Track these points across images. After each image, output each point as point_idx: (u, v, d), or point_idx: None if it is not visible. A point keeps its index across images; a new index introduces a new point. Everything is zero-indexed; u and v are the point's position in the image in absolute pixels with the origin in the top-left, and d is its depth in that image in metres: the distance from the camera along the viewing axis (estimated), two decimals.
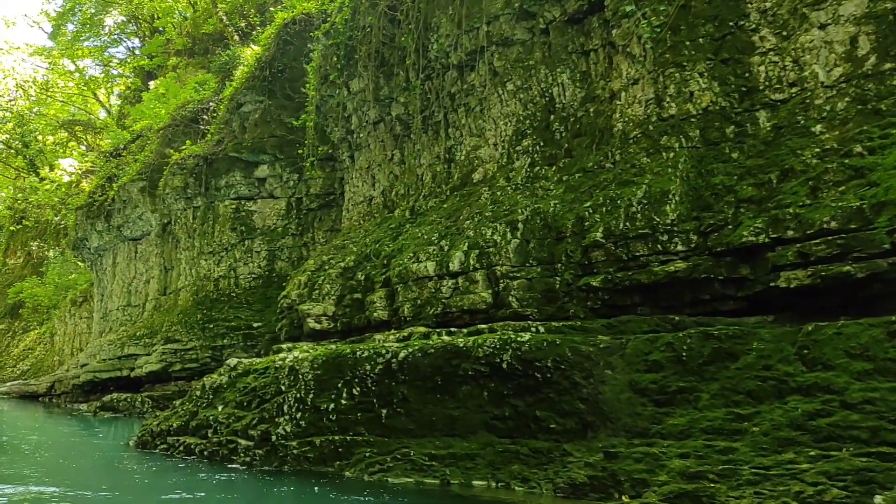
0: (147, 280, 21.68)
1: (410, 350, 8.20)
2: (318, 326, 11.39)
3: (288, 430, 8.34)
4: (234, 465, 8.45)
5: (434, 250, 10.31)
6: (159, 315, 20.05)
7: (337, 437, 8.03)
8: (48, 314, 45.26)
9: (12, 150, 45.37)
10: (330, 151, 16.65)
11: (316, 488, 7.33)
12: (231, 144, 18.56)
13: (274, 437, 8.34)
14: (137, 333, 19.79)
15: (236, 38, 28.36)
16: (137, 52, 42.02)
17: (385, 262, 11.17)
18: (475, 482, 7.16)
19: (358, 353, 8.47)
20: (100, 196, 23.08)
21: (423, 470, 7.36)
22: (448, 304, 9.75)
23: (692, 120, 8.83)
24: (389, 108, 13.42)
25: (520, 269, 9.30)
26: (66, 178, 36.08)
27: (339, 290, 11.56)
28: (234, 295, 18.21)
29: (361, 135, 14.40)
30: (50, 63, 47.22)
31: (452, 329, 9.06)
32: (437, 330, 9.19)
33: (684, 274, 8.15)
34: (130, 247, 22.58)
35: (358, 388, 8.25)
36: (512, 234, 9.49)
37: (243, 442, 8.58)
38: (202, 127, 20.33)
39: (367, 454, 7.76)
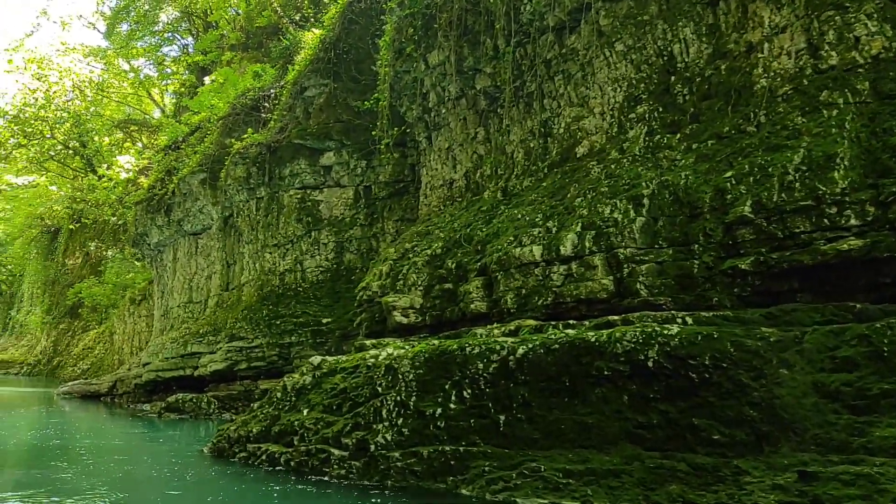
0: (209, 276, 20.93)
1: (530, 346, 6.99)
2: (404, 320, 10.26)
3: (388, 438, 7.21)
4: (326, 479, 7.36)
5: (539, 232, 9.08)
6: (222, 312, 19.24)
7: (448, 448, 6.87)
8: (107, 313, 45.41)
9: (70, 151, 45.58)
10: (402, 136, 15.55)
11: None
12: (295, 131, 17.60)
13: (372, 447, 7.22)
14: (200, 331, 19.01)
15: (291, 29, 27.56)
16: (191, 49, 41.76)
17: (479, 247, 9.99)
18: None
19: (467, 349, 7.30)
20: (159, 190, 22.44)
21: (558, 489, 6.14)
22: (560, 293, 8.51)
23: (859, 71, 7.42)
24: (473, 80, 12.22)
25: (647, 252, 8.00)
26: (123, 176, 35.83)
27: (426, 280, 10.42)
28: (300, 289, 17.25)
29: (440, 113, 13.23)
30: (105, 63, 47.37)
31: (571, 322, 7.82)
32: (551, 323, 7.97)
33: (860, 253, 6.76)
34: (191, 242, 21.87)
35: (469, 391, 7.09)
36: (636, 210, 8.21)
37: (336, 452, 7.49)
38: (264, 115, 19.45)
39: (487, 468, 6.58)
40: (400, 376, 7.55)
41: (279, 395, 8.96)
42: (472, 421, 6.94)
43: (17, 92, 43.03)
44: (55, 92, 42.83)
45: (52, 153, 46.03)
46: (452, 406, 7.08)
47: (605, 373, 6.54)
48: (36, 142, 43.41)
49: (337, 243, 17.25)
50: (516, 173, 11.22)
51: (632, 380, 6.45)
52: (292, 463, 7.84)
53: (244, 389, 17.26)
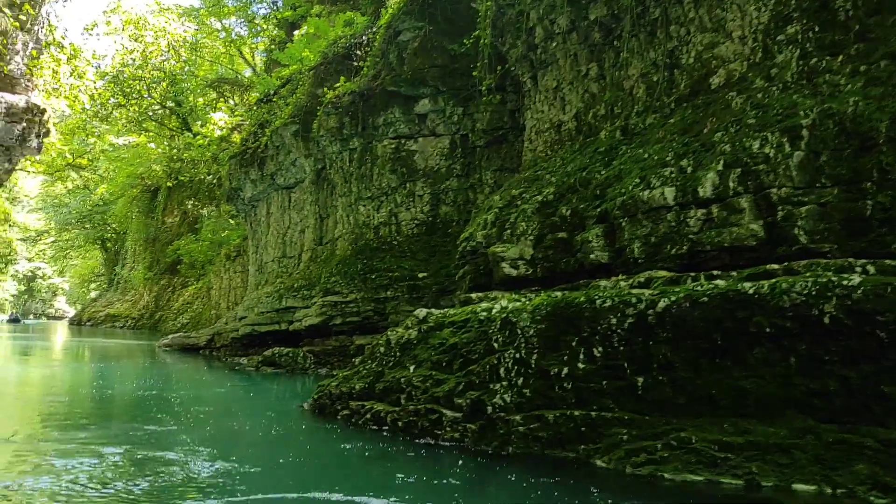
0: (302, 230, 20.67)
1: (674, 299, 6.04)
2: (513, 272, 9.43)
3: (507, 399, 6.45)
4: (437, 442, 6.69)
5: (671, 173, 8.02)
6: (316, 266, 18.95)
7: (577, 413, 6.04)
8: (204, 270, 46.65)
9: (166, 110, 46.57)
10: (502, 79, 14.56)
11: (556, 479, 5.40)
12: (388, 78, 16.86)
13: (489, 409, 6.48)
14: (295, 285, 18.79)
15: None
16: (280, 4, 41.53)
17: (598, 192, 9.00)
18: (797, 486, 4.96)
19: (597, 302, 6.40)
20: (252, 143, 22.25)
21: (714, 465, 5.23)
22: (698, 241, 7.47)
23: None
24: (586, 11, 11.08)
25: (807, 192, 6.85)
26: (217, 133, 36.19)
27: (537, 229, 9.53)
28: (395, 243, 16.68)
29: (548, 49, 12.15)
30: (197, 23, 47.92)
31: (714, 272, 6.80)
32: (690, 274, 6.97)
33: None
34: (284, 196, 21.64)
35: (600, 348, 6.21)
36: (792, 144, 7.03)
37: (448, 413, 6.79)
38: (356, 63, 18.78)
39: (625, 437, 5.72)
40: (519, 331, 6.75)
41: (382, 350, 8.33)
42: (604, 383, 6.08)
43: (115, 53, 44.07)
44: (151, 52, 43.59)
45: (150, 113, 47.17)
46: (581, 365, 6.23)
47: (767, 330, 5.53)
48: (134, 102, 44.48)
49: (432, 195, 16.53)
50: (637, 111, 10.10)
51: (801, 339, 5.42)
52: (399, 423, 7.21)
53: (339, 344, 16.94)
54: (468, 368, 7.00)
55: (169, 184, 46.56)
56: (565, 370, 6.29)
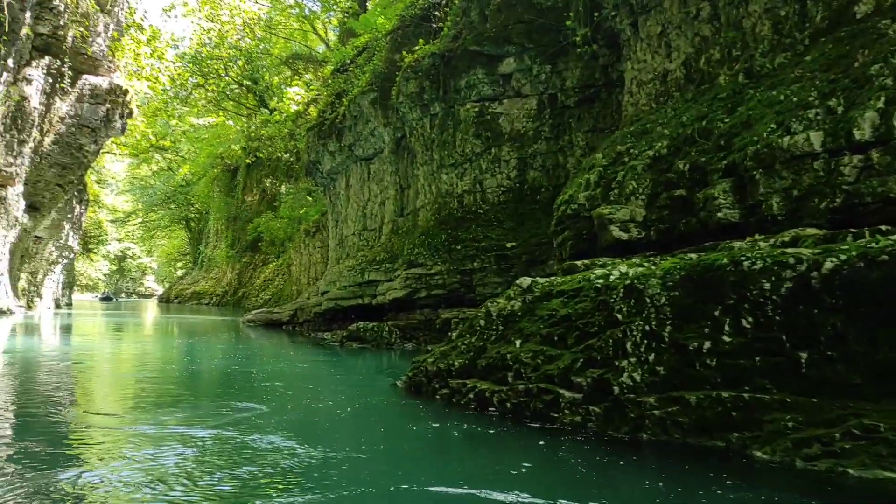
0: (382, 202, 20.09)
1: (844, 258, 5.01)
2: (623, 236, 8.48)
3: (637, 378, 5.56)
4: (554, 426, 5.87)
5: (816, 115, 6.89)
6: (398, 238, 18.35)
7: (725, 394, 5.11)
8: (283, 246, 47.10)
9: (243, 88, 46.89)
10: (594, 32, 13.43)
11: (706, 473, 4.51)
12: (470, 37, 15.93)
13: (616, 389, 5.61)
14: (377, 258, 18.26)
15: None
16: None
17: (722, 142, 7.92)
18: None
19: (745, 264, 5.42)
20: (329, 115, 21.74)
21: None
22: (855, 193, 6.36)
23: None
24: None
25: None
26: (293, 108, 36.05)
27: (649, 188, 8.53)
28: (480, 212, 15.86)
29: None
30: (270, 0, 47.89)
31: (882, 227, 5.71)
32: (850, 231, 5.90)
33: None
34: (363, 167, 21.09)
35: (750, 318, 5.24)
36: None
37: (567, 393, 5.96)
38: (435, 25, 17.91)
39: (789, 424, 4.77)
40: (647, 300, 5.83)
41: (483, 323, 7.55)
42: (756, 359, 5.12)
43: (192, 33, 44.51)
44: (227, 31, 43.82)
45: (227, 92, 47.59)
46: (726, 339, 5.29)
47: None
48: (213, 81, 44.90)
49: (519, 160, 15.59)
50: (761, 51, 8.89)
51: None
52: (507, 404, 6.42)
53: (424, 318, 16.34)
54: (586, 343, 6.14)
55: (248, 161, 47.00)
56: (707, 344, 5.35)
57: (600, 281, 6.57)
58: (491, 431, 5.98)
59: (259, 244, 51.92)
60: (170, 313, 40.17)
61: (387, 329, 15.38)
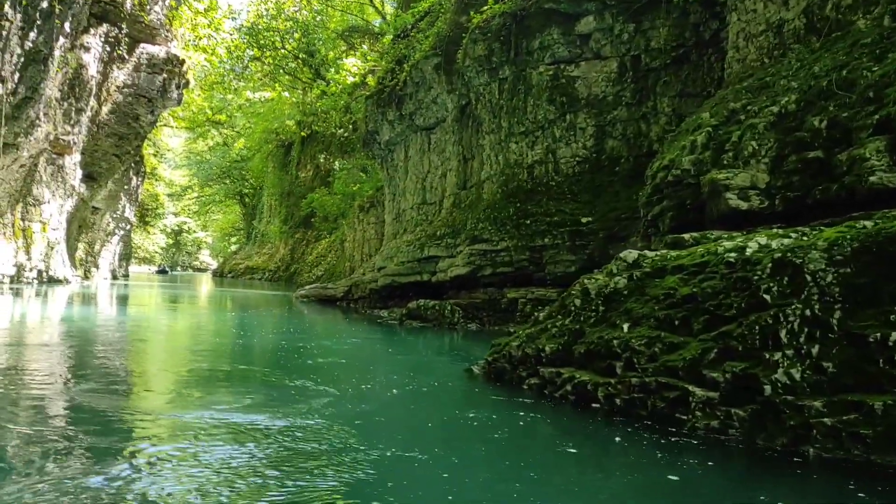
0: (443, 174, 19.01)
1: None
2: (742, 205, 7.23)
3: (796, 376, 4.39)
4: (682, 430, 4.75)
5: None
6: (460, 212, 17.27)
7: None
8: (336, 223, 46.58)
9: (299, 61, 46.20)
10: None
11: None
12: None
13: (767, 388, 4.44)
14: (437, 233, 17.22)
15: None
16: None
17: (870, 94, 6.60)
18: None
19: None
20: (389, 81, 20.70)
21: None
22: None
23: None
24: None
25: None
26: (350, 80, 35.15)
27: (773, 149, 7.26)
28: (553, 184, 14.66)
29: None
30: None
31: None
32: None
33: None
34: (423, 138, 20.02)
35: None
36: None
37: (698, 391, 4.82)
38: None
39: None
40: (808, 278, 4.63)
41: (578, 302, 6.43)
42: None
43: (249, 5, 43.95)
44: (284, 2, 43.11)
45: (283, 66, 47.00)
46: None
47: None
48: (269, 54, 44.32)
49: (597, 127, 14.31)
50: None
51: None
52: (617, 400, 5.31)
53: (488, 298, 15.27)
54: (720, 329, 4.98)
55: (303, 133, 46.48)
56: (894, 335, 4.15)
57: (733, 255, 5.38)
58: (601, 433, 4.90)
59: (312, 220, 51.54)
60: (223, 287, 40.04)
61: (449, 308, 14.36)
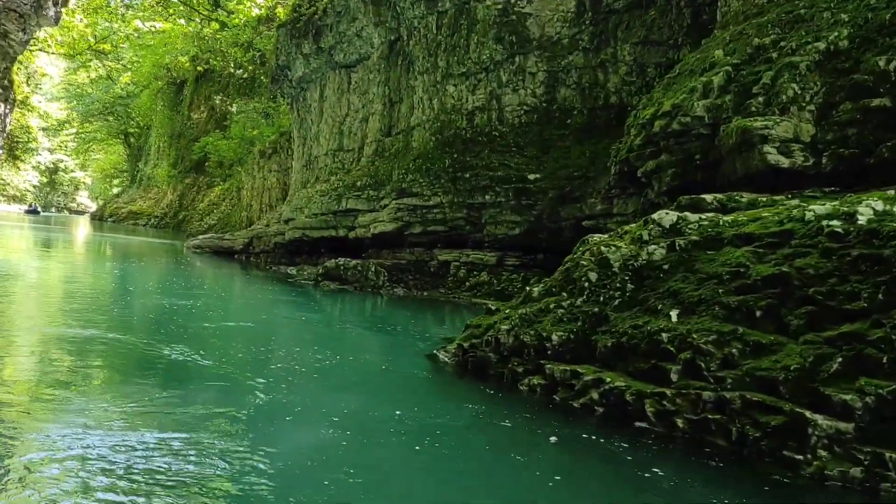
0: (364, 118, 16.96)
1: None
2: (783, 161, 5.83)
3: None
4: (798, 477, 3.26)
5: None
6: (383, 162, 15.36)
7: None
8: (231, 169, 43.53)
9: None
10: None
11: None
12: None
13: None
14: (357, 183, 15.28)
15: None
16: None
17: None
18: None
19: None
20: (307, 9, 18.29)
21: None
22: None
23: None
24: None
25: None
26: (255, 12, 32.00)
27: (821, 95, 5.88)
28: (496, 134, 13.00)
29: None
30: None
31: None
32: None
33: None
34: (343, 76, 17.83)
35: None
36: None
37: (820, 420, 3.32)
38: None
39: None
40: None
41: (594, 276, 4.85)
42: None
43: None
44: None
45: None
46: None
47: None
48: None
49: (549, 73, 12.72)
50: None
51: None
52: (678, 421, 3.78)
53: (415, 259, 13.58)
54: (841, 329, 3.50)
55: (200, 69, 42.76)
56: None
57: (837, 223, 3.91)
58: (670, 477, 3.34)
59: (205, 165, 47.98)
60: (103, 232, 36.32)
61: (373, 269, 12.55)
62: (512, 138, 12.74)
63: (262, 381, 4.51)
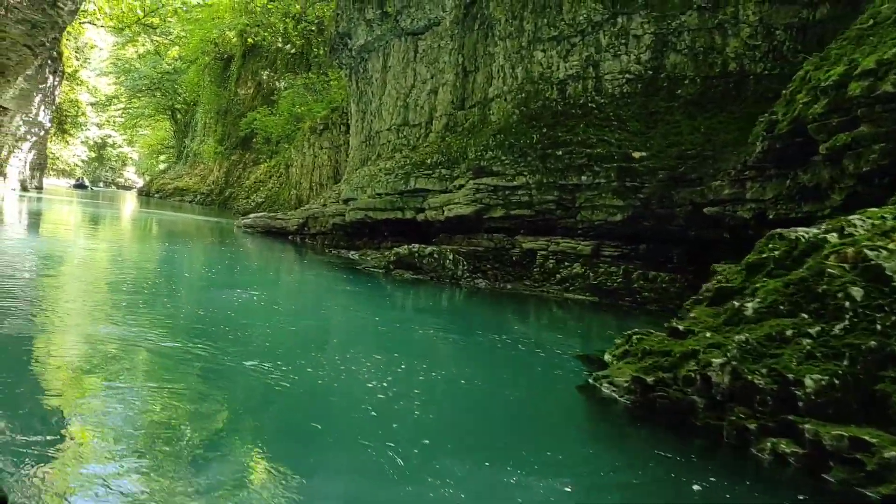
0: (433, 89, 15.47)
1: None
2: None
3: None
4: None
5: None
6: (456, 138, 13.88)
7: None
8: (278, 146, 42.60)
9: None
10: None
11: None
12: None
13: None
14: (427, 161, 13.85)
15: None
16: None
17: None
18: None
19: None
20: None
21: None
22: None
23: None
24: None
25: None
26: None
27: None
28: (593, 106, 11.41)
29: None
30: None
31: None
32: None
33: None
34: (409, 44, 16.34)
35: None
36: None
37: None
38: None
39: None
40: None
41: (858, 294, 3.34)
42: None
43: None
44: None
45: None
46: None
47: None
48: None
49: (657, 36, 11.06)
50: None
51: None
52: None
53: (494, 246, 12.12)
54: None
55: (251, 41, 41.72)
56: None
57: None
58: None
59: (252, 142, 47.13)
60: (150, 208, 35.59)
61: (451, 257, 11.13)
62: (612, 111, 11.15)
63: (355, 427, 3.13)
